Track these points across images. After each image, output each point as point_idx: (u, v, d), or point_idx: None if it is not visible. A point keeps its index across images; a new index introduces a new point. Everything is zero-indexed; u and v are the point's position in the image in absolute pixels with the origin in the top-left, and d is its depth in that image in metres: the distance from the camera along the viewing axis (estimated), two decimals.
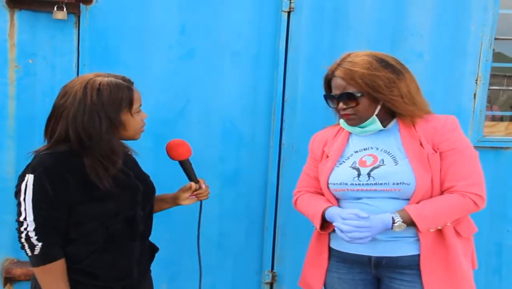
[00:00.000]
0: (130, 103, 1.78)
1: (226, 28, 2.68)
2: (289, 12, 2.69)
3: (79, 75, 2.53)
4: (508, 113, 5.53)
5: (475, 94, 2.85)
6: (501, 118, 4.92)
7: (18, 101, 2.53)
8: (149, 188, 1.97)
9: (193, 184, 2.09)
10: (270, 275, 2.86)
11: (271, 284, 2.88)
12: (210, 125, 2.73)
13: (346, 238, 1.82)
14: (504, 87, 4.61)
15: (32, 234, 1.69)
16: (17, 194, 1.73)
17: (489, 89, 2.91)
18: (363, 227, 1.80)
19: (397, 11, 2.77)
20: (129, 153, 2.00)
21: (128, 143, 1.97)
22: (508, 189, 2.95)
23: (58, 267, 1.73)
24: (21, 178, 1.72)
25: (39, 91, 2.54)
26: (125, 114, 1.78)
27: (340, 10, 2.74)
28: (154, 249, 2.06)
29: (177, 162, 2.08)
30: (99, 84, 1.73)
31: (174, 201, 2.12)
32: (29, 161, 1.78)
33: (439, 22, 2.78)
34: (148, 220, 1.95)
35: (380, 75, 1.89)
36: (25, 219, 1.70)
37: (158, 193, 2.05)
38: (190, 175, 2.10)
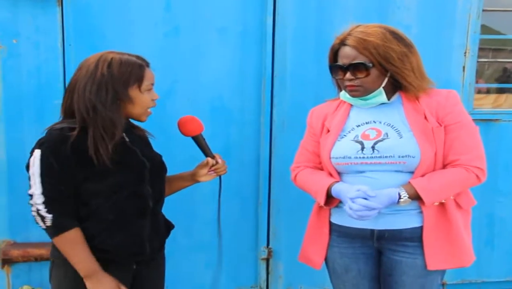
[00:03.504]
0: (140, 79, 1.84)
1: (212, 3, 2.64)
2: None
3: (65, 54, 2.52)
4: (495, 85, 5.56)
5: (464, 67, 2.85)
6: (488, 91, 4.94)
7: (4, 83, 2.48)
8: (158, 166, 1.98)
9: (209, 159, 2.09)
10: (266, 250, 2.87)
11: (267, 260, 2.89)
12: (198, 103, 2.70)
13: (355, 216, 1.81)
14: (491, 60, 4.62)
15: (41, 207, 1.74)
16: (27, 167, 1.78)
17: (477, 62, 2.91)
18: (371, 207, 1.79)
19: None
20: (143, 134, 2.03)
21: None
22: (498, 161, 2.98)
23: (74, 235, 1.77)
24: (31, 152, 1.77)
25: (25, 72, 2.50)
26: (134, 90, 1.83)
27: None
28: (169, 226, 2.09)
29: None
30: (111, 59, 1.81)
31: (192, 178, 2.13)
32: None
33: None
34: (159, 198, 1.98)
35: (393, 47, 1.88)
36: (34, 192, 1.75)
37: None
38: (205, 151, 2.09)
